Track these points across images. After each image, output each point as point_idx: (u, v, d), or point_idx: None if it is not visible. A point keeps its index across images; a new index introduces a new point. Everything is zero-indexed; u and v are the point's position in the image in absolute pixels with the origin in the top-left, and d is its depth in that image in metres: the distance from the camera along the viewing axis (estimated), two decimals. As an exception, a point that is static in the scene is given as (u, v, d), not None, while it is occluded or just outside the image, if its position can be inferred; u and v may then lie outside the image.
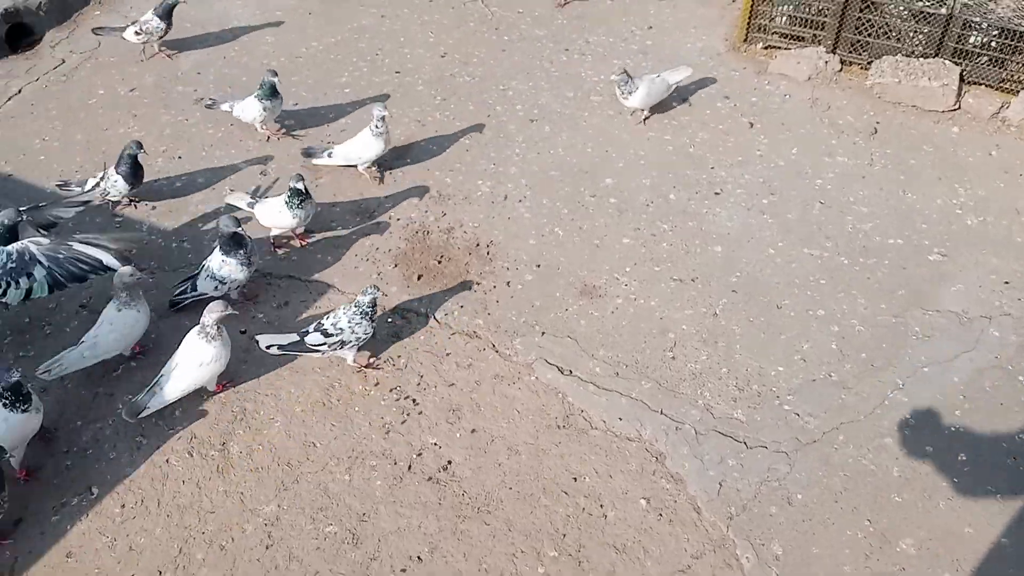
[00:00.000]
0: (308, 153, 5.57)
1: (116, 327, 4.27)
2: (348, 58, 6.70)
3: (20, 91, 6.42)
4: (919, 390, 4.27)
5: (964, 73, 6.00)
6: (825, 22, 6.33)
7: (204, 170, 5.63)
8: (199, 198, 5.43)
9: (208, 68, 6.62)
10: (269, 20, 7.15)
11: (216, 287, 4.59)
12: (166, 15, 6.49)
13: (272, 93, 5.58)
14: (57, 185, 5.31)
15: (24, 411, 3.80)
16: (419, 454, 4.10)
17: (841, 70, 6.35)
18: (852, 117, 5.99)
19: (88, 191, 5.15)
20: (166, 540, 3.82)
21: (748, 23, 6.61)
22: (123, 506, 3.95)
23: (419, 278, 4.90)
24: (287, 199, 4.82)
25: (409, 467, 4.06)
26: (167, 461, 4.11)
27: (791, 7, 6.43)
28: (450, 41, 6.86)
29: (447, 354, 4.50)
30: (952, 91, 5.89)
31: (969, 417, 4.16)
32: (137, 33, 6.46)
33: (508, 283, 4.85)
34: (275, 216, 4.92)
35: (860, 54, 6.36)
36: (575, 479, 4.00)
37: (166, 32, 6.57)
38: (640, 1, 7.34)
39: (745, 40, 6.67)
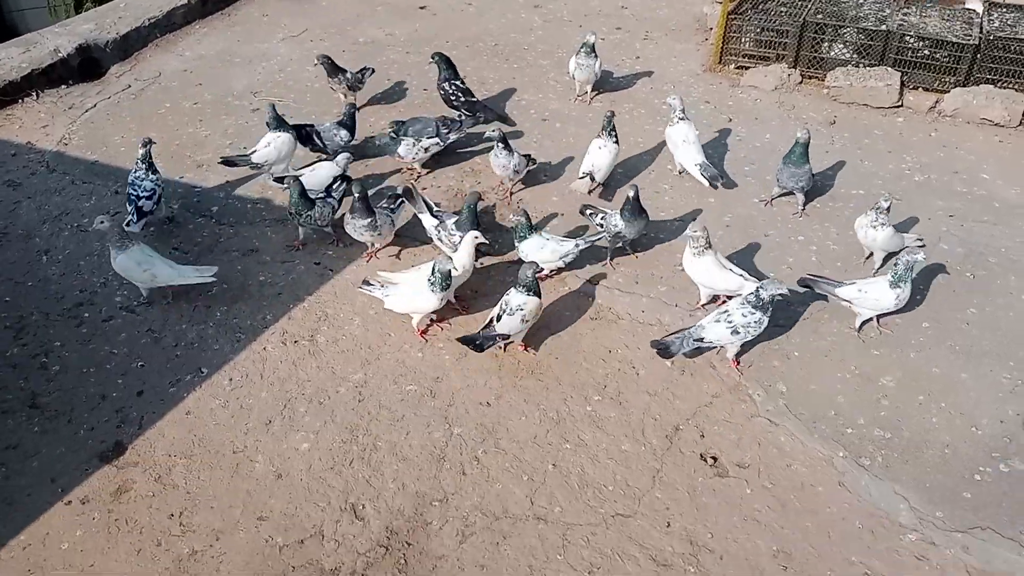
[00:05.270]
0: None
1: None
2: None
3: (95, 105, 7.36)
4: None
5: (904, 79, 7.20)
6: (787, 43, 7.56)
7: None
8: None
9: (259, 90, 7.62)
10: (307, 57, 8.21)
11: None
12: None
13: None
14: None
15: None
16: (479, 337, 4.89)
17: (802, 82, 7.54)
18: (814, 113, 7.13)
19: None
20: (271, 401, 4.54)
21: (721, 48, 7.82)
22: (231, 379, 4.67)
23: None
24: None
25: (471, 346, 4.84)
26: (264, 349, 4.86)
27: (757, 32, 7.66)
28: (468, 67, 7.96)
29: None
30: (895, 90, 7.08)
31: (928, 300, 5.09)
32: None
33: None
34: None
35: (818, 70, 7.56)
36: (609, 351, 4.81)
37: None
38: (628, 40, 8.55)
39: (720, 62, 7.87)
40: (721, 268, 4.85)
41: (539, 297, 4.64)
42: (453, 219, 5.31)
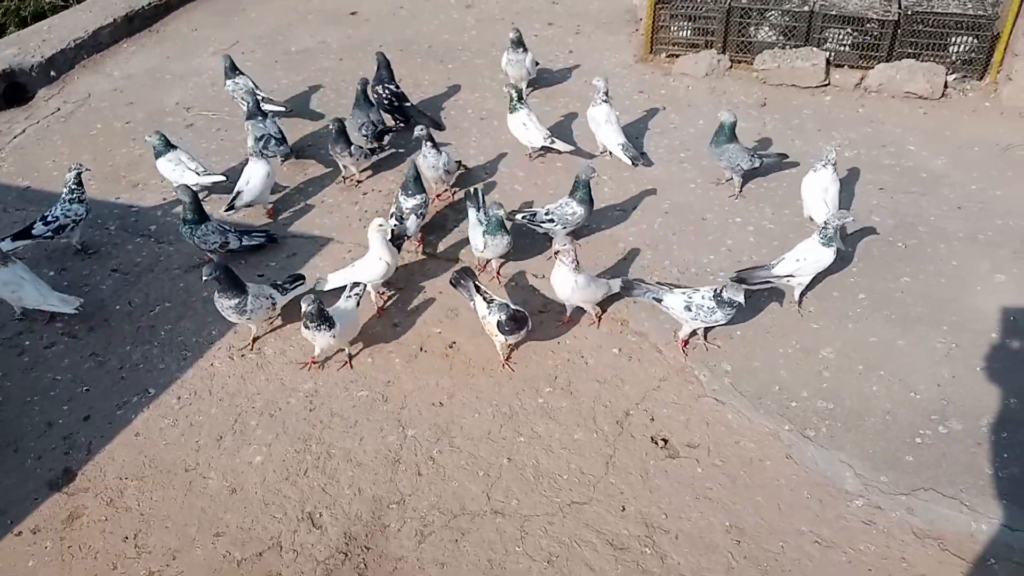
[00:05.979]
0: None
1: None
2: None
3: (24, 131, 7.22)
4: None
5: (829, 58, 7.37)
6: (715, 29, 7.69)
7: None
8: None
9: (191, 105, 7.54)
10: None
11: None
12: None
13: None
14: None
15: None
16: (428, 338, 4.91)
17: (731, 67, 7.67)
18: (745, 97, 7.26)
19: None
20: (221, 416, 4.51)
21: (651, 38, 7.92)
22: (179, 398, 4.63)
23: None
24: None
25: (421, 348, 4.86)
26: (211, 364, 4.82)
27: (685, 19, 7.78)
28: (402, 70, 7.96)
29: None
30: (821, 69, 7.24)
31: (863, 272, 5.22)
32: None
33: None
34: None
35: (746, 54, 7.70)
36: (558, 342, 4.86)
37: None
38: (560, 35, 8.61)
39: (651, 52, 7.97)
40: (587, 286, 4.77)
41: (504, 329, 4.45)
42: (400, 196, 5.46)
